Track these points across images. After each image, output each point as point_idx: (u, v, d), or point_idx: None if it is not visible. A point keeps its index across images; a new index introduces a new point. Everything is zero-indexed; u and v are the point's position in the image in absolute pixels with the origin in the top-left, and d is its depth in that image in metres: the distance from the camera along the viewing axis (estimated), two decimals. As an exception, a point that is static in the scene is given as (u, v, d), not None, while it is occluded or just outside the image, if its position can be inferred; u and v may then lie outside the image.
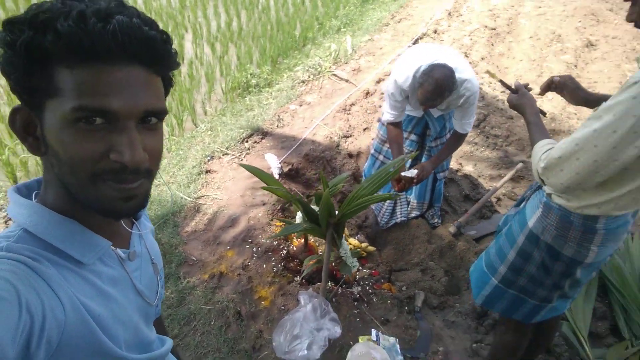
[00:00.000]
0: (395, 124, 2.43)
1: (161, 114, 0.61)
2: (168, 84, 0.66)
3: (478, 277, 1.75)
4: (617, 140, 1.11)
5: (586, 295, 2.25)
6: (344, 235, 2.27)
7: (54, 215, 0.62)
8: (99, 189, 0.58)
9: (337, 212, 2.07)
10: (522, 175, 3.14)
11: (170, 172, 3.04)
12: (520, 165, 3.09)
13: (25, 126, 0.60)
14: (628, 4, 1.25)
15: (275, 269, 2.41)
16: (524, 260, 1.54)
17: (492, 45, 5.12)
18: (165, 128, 3.62)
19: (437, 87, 1.99)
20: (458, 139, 2.44)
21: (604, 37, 5.44)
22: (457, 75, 2.08)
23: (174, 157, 3.25)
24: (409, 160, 2.62)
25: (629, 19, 1.24)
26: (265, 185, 2.08)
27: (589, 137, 1.16)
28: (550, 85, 1.63)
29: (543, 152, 1.33)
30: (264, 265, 2.42)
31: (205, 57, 4.92)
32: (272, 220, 2.70)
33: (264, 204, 2.77)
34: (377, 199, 1.93)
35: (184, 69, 4.61)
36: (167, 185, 2.80)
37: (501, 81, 1.67)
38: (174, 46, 0.64)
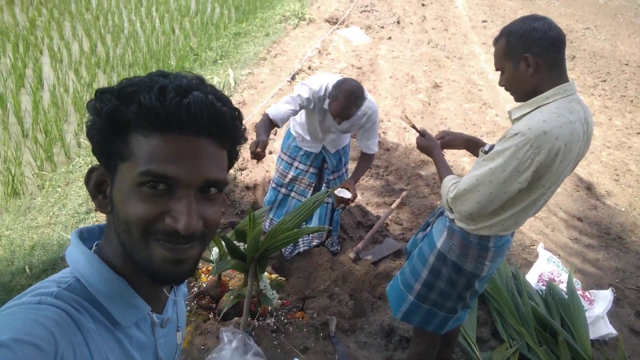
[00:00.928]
0: (275, 122, 2.41)
1: (222, 185, 0.64)
2: (233, 157, 0.69)
3: (396, 295, 1.96)
4: (506, 177, 1.44)
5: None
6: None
7: (108, 271, 0.63)
8: (151, 247, 0.60)
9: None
10: (404, 202, 3.52)
11: (49, 212, 2.69)
12: (404, 193, 3.47)
13: (98, 185, 0.64)
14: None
15: (188, 308, 2.31)
16: (434, 276, 1.80)
17: (361, 82, 5.65)
18: (33, 163, 3.18)
19: (350, 96, 2.19)
20: (367, 158, 2.69)
21: (446, 79, 6.43)
22: (364, 93, 2.32)
23: (50, 195, 2.87)
24: (324, 188, 2.85)
25: (500, 84, 1.61)
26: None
27: (486, 174, 1.48)
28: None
29: (450, 184, 1.62)
30: (176, 308, 2.28)
31: (70, 84, 4.46)
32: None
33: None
34: (307, 232, 2.01)
35: (45, 95, 4.11)
36: (50, 227, 2.48)
37: (413, 125, 1.93)
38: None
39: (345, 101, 2.19)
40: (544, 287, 2.94)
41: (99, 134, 0.59)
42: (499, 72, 1.58)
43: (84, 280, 0.62)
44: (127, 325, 0.65)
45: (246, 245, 2.05)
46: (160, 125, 0.57)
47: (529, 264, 3.27)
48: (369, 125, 2.50)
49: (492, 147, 1.57)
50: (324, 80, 2.38)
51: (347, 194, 2.55)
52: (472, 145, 1.95)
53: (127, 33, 6.00)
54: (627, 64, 9.36)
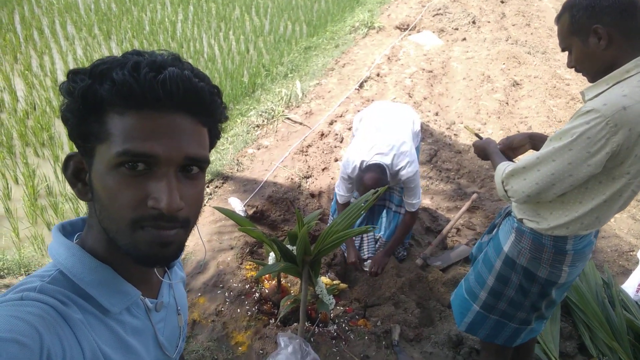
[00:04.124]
0: (344, 205, 2.63)
1: (203, 162, 0.63)
2: (214, 136, 0.67)
3: (460, 304, 1.80)
4: (573, 157, 1.25)
5: (552, 317, 2.36)
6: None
7: (91, 260, 0.62)
8: (137, 235, 0.59)
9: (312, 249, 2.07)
10: (477, 205, 3.31)
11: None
12: (475, 195, 3.27)
13: (77, 172, 0.63)
14: (559, 50, 1.48)
15: (249, 313, 2.34)
16: (502, 284, 1.61)
17: (432, 86, 5.48)
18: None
19: (367, 188, 2.24)
20: (410, 219, 2.65)
21: (527, 77, 6.00)
22: (396, 160, 2.35)
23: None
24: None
25: (569, 65, 1.42)
26: (238, 227, 2.06)
27: (549, 153, 1.30)
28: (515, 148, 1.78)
29: (507, 165, 1.48)
30: (238, 310, 2.34)
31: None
32: (241, 263, 2.64)
33: (232, 248, 2.71)
34: (353, 233, 1.97)
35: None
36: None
37: (476, 134, 1.87)
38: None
39: (363, 190, 2.28)
40: (643, 298, 2.58)
41: (74, 115, 0.58)
42: (567, 53, 1.41)
43: (67, 272, 0.61)
44: (117, 311, 0.64)
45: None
46: (135, 102, 0.56)
47: (627, 272, 2.90)
48: (412, 185, 2.48)
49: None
50: (357, 155, 2.41)
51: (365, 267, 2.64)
52: (538, 140, 1.74)
53: (207, 56, 6.40)
54: None
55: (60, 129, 4.06)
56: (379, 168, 2.26)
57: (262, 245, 2.85)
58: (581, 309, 2.40)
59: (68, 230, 0.69)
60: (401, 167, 2.35)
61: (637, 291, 2.69)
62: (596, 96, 1.31)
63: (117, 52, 6.31)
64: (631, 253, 3.11)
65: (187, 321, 0.86)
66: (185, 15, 8.08)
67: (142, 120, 0.56)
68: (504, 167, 1.47)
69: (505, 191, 1.46)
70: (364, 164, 2.35)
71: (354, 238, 2.89)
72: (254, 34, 7.34)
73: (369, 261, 2.64)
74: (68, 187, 3.34)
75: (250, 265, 2.66)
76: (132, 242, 0.59)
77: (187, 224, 0.62)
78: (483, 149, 1.72)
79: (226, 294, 2.41)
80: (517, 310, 1.63)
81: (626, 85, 1.23)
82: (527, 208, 1.52)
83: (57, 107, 4.40)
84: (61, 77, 5.17)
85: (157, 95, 0.56)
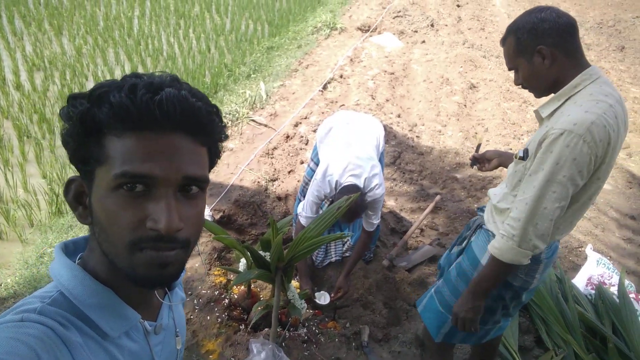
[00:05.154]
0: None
1: (202, 182, 0.63)
2: (214, 155, 0.67)
3: (436, 318, 1.83)
4: (570, 182, 1.31)
5: (510, 312, 2.49)
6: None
7: (92, 282, 0.62)
8: (135, 257, 0.58)
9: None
10: (439, 206, 3.42)
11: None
12: (438, 197, 3.37)
13: (77, 196, 0.63)
14: (502, 55, 1.56)
15: (219, 320, 2.33)
16: None
17: (394, 87, 5.59)
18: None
19: (352, 215, 2.26)
20: (367, 238, 2.64)
21: (483, 80, 6.23)
22: (367, 183, 2.36)
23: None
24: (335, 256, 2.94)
25: (516, 83, 1.51)
26: (212, 235, 2.04)
27: (545, 188, 1.32)
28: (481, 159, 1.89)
29: (508, 240, 1.41)
30: (208, 317, 2.32)
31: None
32: (210, 269, 2.62)
33: (199, 254, 2.68)
34: (328, 239, 1.99)
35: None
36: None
37: (479, 145, 1.99)
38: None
39: (348, 218, 2.29)
40: (593, 292, 2.75)
41: (73, 139, 0.59)
42: (513, 72, 1.50)
43: (68, 293, 0.61)
44: (116, 335, 0.63)
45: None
46: (133, 124, 0.56)
47: (576, 267, 3.08)
48: (376, 206, 2.50)
49: (525, 150, 1.46)
50: (329, 175, 2.39)
51: (325, 300, 2.57)
52: (505, 158, 1.83)
53: (166, 55, 6.24)
54: (684, 51, 8.71)
55: (9, 131, 3.86)
56: (355, 189, 2.27)
57: (231, 250, 2.84)
58: (537, 304, 2.53)
59: (70, 249, 0.69)
60: (371, 189, 2.38)
61: (586, 285, 2.87)
62: (552, 113, 1.40)
63: (69, 48, 6.04)
64: (580, 249, 3.31)
65: (184, 343, 0.85)
66: (142, 11, 7.84)
67: (140, 141, 0.57)
68: (507, 243, 1.41)
69: (536, 247, 1.40)
70: (339, 184, 2.36)
71: (310, 261, 2.92)
72: (214, 33, 7.22)
73: (321, 292, 2.62)
74: (20, 193, 3.19)
75: (219, 271, 2.64)
76: (131, 264, 0.59)
77: (187, 244, 0.62)
78: (469, 301, 1.61)
79: (195, 301, 2.38)
80: (492, 315, 1.71)
81: (581, 100, 1.33)
82: None
83: (6, 107, 4.17)
84: (9, 76, 4.91)
85: (154, 116, 0.56)
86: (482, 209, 1.81)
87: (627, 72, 7.22)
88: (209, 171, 0.67)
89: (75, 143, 0.59)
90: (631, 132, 5.31)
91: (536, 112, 1.49)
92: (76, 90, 4.85)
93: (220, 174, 3.47)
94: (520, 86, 1.49)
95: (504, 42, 1.49)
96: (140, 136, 0.56)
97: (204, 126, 0.61)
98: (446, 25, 8.45)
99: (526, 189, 1.38)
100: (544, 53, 1.37)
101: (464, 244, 1.80)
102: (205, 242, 2.76)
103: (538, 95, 1.48)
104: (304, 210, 2.50)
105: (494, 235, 1.60)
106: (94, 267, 0.64)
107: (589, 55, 7.80)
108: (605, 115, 1.27)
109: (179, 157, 0.59)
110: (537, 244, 1.38)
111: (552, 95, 1.44)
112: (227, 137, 0.68)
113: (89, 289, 0.62)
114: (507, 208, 1.54)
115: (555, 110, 1.40)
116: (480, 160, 1.89)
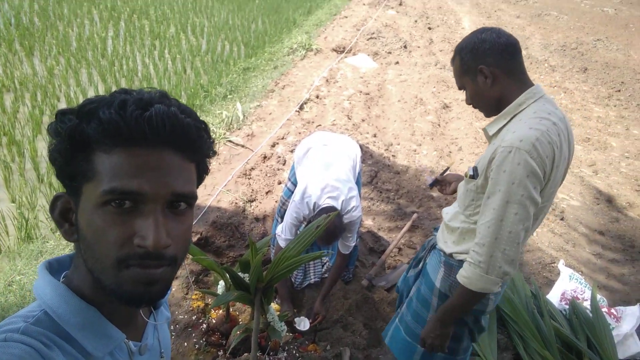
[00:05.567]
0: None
1: (190, 198, 0.63)
2: (202, 171, 0.67)
3: (403, 348, 1.80)
4: (528, 198, 1.29)
5: (489, 330, 2.51)
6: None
7: (77, 300, 0.62)
8: (122, 274, 0.58)
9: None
10: (416, 224, 3.46)
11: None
12: (415, 215, 3.41)
13: (64, 213, 0.62)
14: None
15: (197, 346, 2.28)
16: None
17: (369, 108, 5.68)
18: (47, 206, 3.26)
19: (328, 232, 2.18)
20: (342, 261, 2.62)
21: (455, 100, 6.40)
22: (344, 205, 2.35)
23: (62, 238, 2.93)
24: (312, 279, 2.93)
25: (467, 102, 1.54)
26: (190, 257, 2.01)
27: (506, 210, 1.30)
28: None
29: (474, 268, 1.37)
30: (185, 344, 2.27)
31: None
32: (187, 294, 2.57)
33: (176, 278, 2.62)
34: (307, 259, 1.99)
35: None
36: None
37: (447, 168, 2.03)
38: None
39: (327, 239, 2.25)
40: (567, 307, 2.81)
41: (61, 155, 0.58)
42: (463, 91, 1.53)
43: (52, 312, 0.60)
44: (100, 355, 0.63)
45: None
46: (122, 140, 0.56)
47: (550, 283, 3.15)
48: (353, 228, 2.50)
49: (474, 168, 1.46)
50: (307, 197, 2.38)
51: (304, 325, 2.56)
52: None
53: (141, 75, 6.19)
54: (642, 72, 9.18)
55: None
56: (333, 210, 2.27)
57: (209, 273, 2.79)
58: (515, 320, 2.57)
59: (55, 267, 0.67)
60: (348, 211, 2.39)
61: (560, 300, 2.93)
62: (499, 131, 1.42)
63: (40, 69, 5.94)
64: (553, 265, 3.39)
65: None
66: (116, 32, 7.79)
67: (129, 157, 0.57)
68: (475, 271, 1.37)
69: (506, 274, 1.36)
70: (317, 206, 2.36)
71: (290, 282, 2.89)
72: (190, 54, 7.22)
73: (301, 318, 2.60)
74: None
75: (196, 295, 2.59)
76: (117, 281, 0.58)
77: (174, 261, 0.62)
78: (437, 327, 1.59)
79: (172, 327, 2.32)
80: (460, 342, 1.70)
81: (525, 118, 1.35)
82: (458, 242, 1.57)
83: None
84: (-22, 96, 4.78)
85: (143, 132, 0.56)
86: (437, 229, 1.81)
87: (590, 92, 7.54)
88: (197, 187, 0.67)
89: (62, 159, 0.58)
90: (596, 149, 5.52)
91: (484, 130, 1.50)
92: (47, 112, 4.78)
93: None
94: (471, 105, 1.52)
95: (452, 62, 1.52)
96: (130, 152, 0.57)
97: (192, 142, 0.62)
98: (419, 47, 8.69)
99: (486, 212, 1.34)
100: (485, 72, 1.40)
101: (420, 266, 1.80)
102: (182, 265, 2.71)
103: (487, 114, 1.49)
104: (283, 233, 2.49)
105: (444, 255, 1.61)
106: (79, 285, 0.63)
107: (554, 77, 8.13)
108: (549, 132, 1.30)
109: (168, 174, 0.59)
110: (507, 270, 1.34)
111: (500, 113, 1.45)
112: (215, 153, 0.69)
113: (73, 307, 0.61)
114: (458, 227, 1.54)
115: (501, 128, 1.42)
116: (442, 183, 1.92)
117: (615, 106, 7.03)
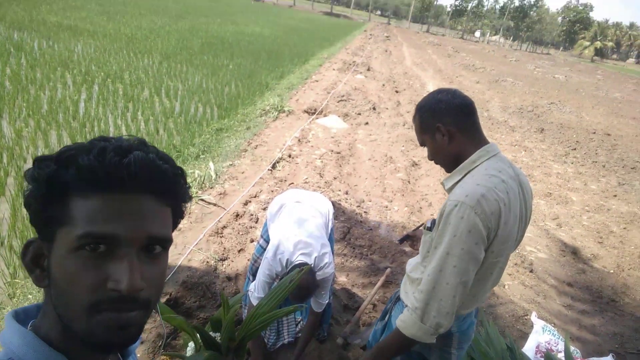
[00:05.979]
0: None
1: (166, 242, 0.64)
2: (178, 216, 0.69)
3: None
4: (469, 253, 1.32)
5: (466, 384, 2.46)
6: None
7: (45, 348, 0.60)
8: (94, 320, 0.57)
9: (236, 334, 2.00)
10: (390, 280, 3.45)
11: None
12: (388, 270, 3.41)
13: (35, 258, 0.62)
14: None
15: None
16: None
17: (341, 166, 5.81)
18: (6, 271, 3.11)
19: (301, 288, 2.19)
20: (315, 319, 2.59)
21: (424, 157, 6.64)
22: (317, 261, 2.34)
23: (20, 303, 2.77)
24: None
25: (429, 158, 1.60)
26: (160, 316, 1.93)
27: (446, 262, 1.34)
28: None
29: (407, 317, 1.41)
30: (151, 415, 2.12)
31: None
32: (154, 358, 2.44)
33: (142, 342, 2.50)
34: (281, 313, 1.94)
35: (26, 201, 4.12)
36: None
37: (420, 225, 2.03)
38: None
39: (300, 297, 2.25)
40: (542, 359, 2.80)
41: (36, 201, 0.59)
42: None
43: None
44: None
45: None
46: (100, 186, 0.57)
47: (524, 336, 3.15)
48: (326, 285, 2.49)
49: (433, 221, 1.50)
50: (280, 253, 2.38)
51: None
52: None
53: (113, 136, 6.20)
54: (594, 132, 9.83)
55: None
56: (308, 272, 2.26)
57: (177, 337, 2.68)
58: (492, 375, 2.53)
59: (21, 317, 0.66)
60: (321, 267, 2.39)
61: (536, 353, 2.92)
62: (454, 185, 1.47)
63: (8, 131, 5.88)
64: (526, 317, 3.41)
65: None
66: (89, 95, 7.85)
67: (105, 202, 0.57)
68: (411, 317, 1.40)
69: (439, 326, 1.37)
70: (290, 262, 2.36)
71: (263, 343, 2.80)
72: (163, 115, 7.31)
73: None
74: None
75: (164, 358, 2.46)
76: (89, 327, 0.57)
77: (148, 305, 0.62)
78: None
79: (137, 396, 2.18)
80: None
81: (477, 174, 1.41)
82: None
83: None
84: (-60, 158, 4.65)
85: (121, 178, 0.57)
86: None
87: (548, 150, 7.96)
88: (172, 231, 0.68)
89: (38, 204, 0.59)
90: (558, 204, 5.75)
91: (442, 183, 1.56)
92: (13, 174, 4.67)
93: (167, 255, 3.36)
94: (432, 161, 1.57)
95: (413, 119, 1.59)
96: (107, 197, 0.58)
97: (169, 188, 0.63)
98: (387, 109, 9.08)
99: (431, 262, 1.38)
100: (442, 130, 1.46)
101: (386, 319, 1.79)
102: (149, 329, 2.60)
103: (447, 169, 1.54)
104: (255, 291, 2.44)
105: (406, 306, 1.60)
106: (47, 333, 0.62)
107: (515, 136, 8.58)
108: (495, 189, 1.33)
109: (144, 217, 0.60)
110: (440, 322, 1.35)
111: (456, 169, 1.50)
112: (191, 198, 0.71)
113: (41, 355, 0.59)
114: (417, 278, 1.55)
115: (456, 183, 1.47)
116: (413, 239, 1.96)
117: (572, 163, 7.43)
